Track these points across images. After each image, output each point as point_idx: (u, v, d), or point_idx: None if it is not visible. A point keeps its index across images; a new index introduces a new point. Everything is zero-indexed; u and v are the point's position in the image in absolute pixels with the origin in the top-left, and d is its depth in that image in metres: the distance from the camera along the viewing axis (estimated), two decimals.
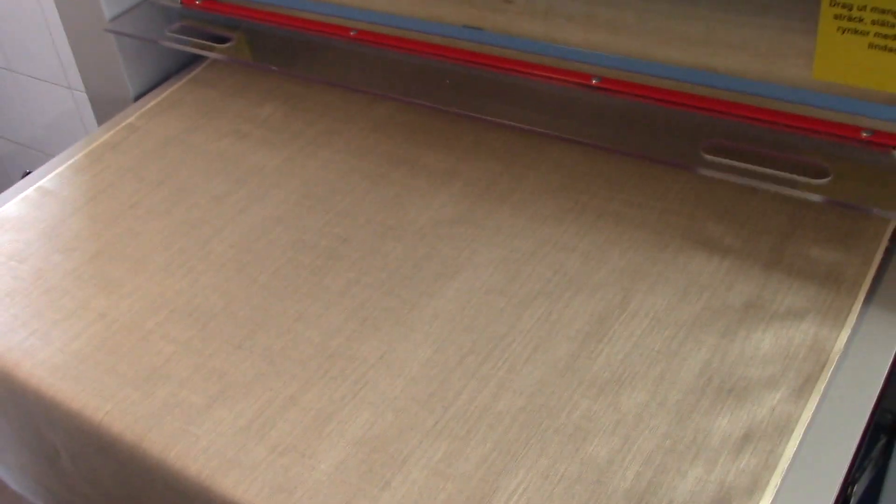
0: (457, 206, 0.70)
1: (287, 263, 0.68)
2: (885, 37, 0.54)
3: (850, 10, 0.54)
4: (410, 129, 0.79)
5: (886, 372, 0.53)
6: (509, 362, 0.57)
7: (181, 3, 0.87)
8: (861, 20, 0.54)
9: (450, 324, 0.61)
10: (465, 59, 0.73)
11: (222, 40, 0.87)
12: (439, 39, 0.74)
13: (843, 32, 0.55)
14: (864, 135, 0.57)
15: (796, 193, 0.59)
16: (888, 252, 0.59)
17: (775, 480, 0.48)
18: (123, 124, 0.86)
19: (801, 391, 0.53)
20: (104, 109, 0.93)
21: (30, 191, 0.80)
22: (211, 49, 0.85)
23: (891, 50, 0.54)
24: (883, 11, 0.53)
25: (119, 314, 0.66)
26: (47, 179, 0.81)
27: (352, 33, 0.78)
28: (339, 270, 0.66)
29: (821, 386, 0.53)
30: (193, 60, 0.92)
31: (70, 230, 0.75)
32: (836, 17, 0.55)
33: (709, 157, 0.61)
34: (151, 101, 0.89)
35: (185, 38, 0.86)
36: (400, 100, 0.79)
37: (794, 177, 0.58)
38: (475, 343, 0.59)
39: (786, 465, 0.49)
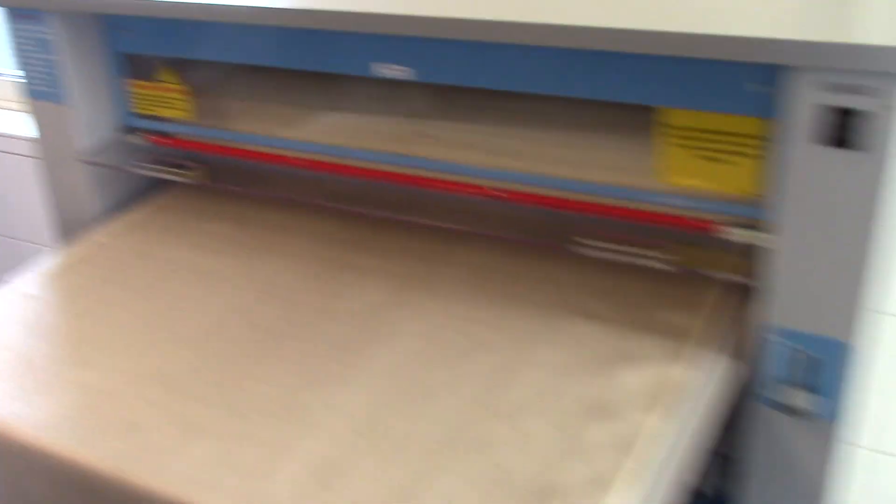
0: (385, 294, 0.85)
1: (244, 341, 0.81)
2: (705, 150, 0.73)
3: (681, 129, 0.74)
4: (344, 240, 0.95)
5: (719, 396, 0.69)
6: (433, 403, 0.71)
7: (146, 139, 1.03)
8: (687, 137, 0.74)
9: (380, 377, 0.74)
10: (389, 177, 0.91)
11: (182, 169, 1.02)
12: (368, 164, 0.92)
13: (676, 147, 0.75)
14: (696, 223, 0.75)
15: (648, 264, 0.76)
16: (722, 314, 0.77)
17: (632, 466, 0.63)
18: (93, 241, 1.00)
19: (655, 411, 0.68)
20: (69, 230, 1.06)
21: (11, 293, 0.92)
22: (175, 175, 1.01)
23: (710, 159, 0.73)
24: (703, 131, 0.73)
25: (96, 384, 0.77)
26: (25, 284, 0.93)
27: (296, 161, 0.95)
28: (288, 344, 0.80)
29: (670, 406, 0.68)
30: (154, 189, 1.07)
31: (48, 323, 0.86)
32: (671, 136, 0.74)
33: (583, 243, 0.79)
34: (117, 223, 1.03)
35: (151, 166, 1.01)
36: (335, 207, 0.95)
37: (646, 252, 0.76)
38: (402, 391, 0.73)
39: (641, 459, 0.63)
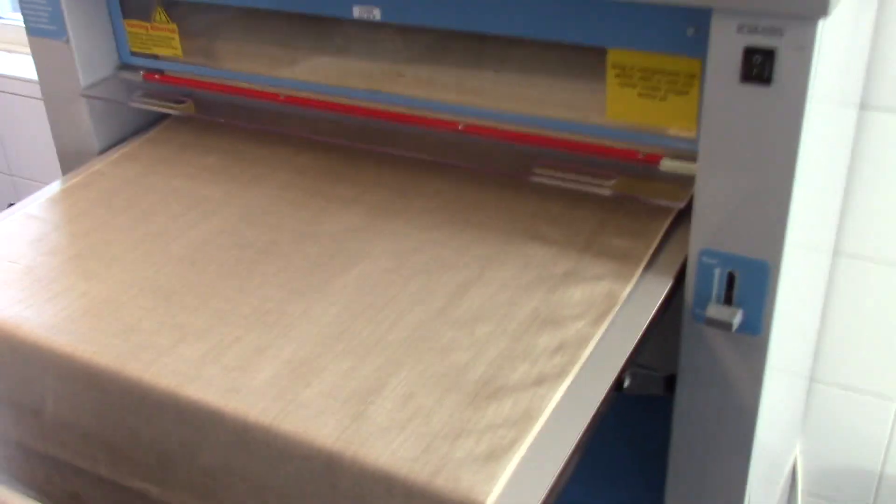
0: (361, 220, 0.93)
1: (230, 258, 0.89)
2: (647, 88, 0.81)
3: (625, 70, 0.81)
4: (325, 171, 1.03)
5: (655, 310, 0.77)
6: (397, 312, 0.79)
7: (143, 77, 1.10)
8: (632, 77, 0.81)
9: (355, 291, 0.83)
10: (367, 113, 0.98)
11: (175, 104, 1.10)
12: (347, 100, 0.99)
13: (623, 87, 0.82)
14: (640, 155, 0.83)
15: (593, 191, 0.84)
16: (661, 242, 0.85)
17: (576, 370, 0.71)
18: (92, 170, 1.07)
19: (597, 321, 0.76)
20: (70, 163, 1.14)
21: (16, 215, 0.99)
22: (170, 108, 1.08)
23: (651, 97, 0.81)
24: (644, 70, 0.80)
25: (98, 293, 0.85)
26: (30, 207, 1.01)
27: (281, 97, 1.03)
28: (271, 261, 0.88)
29: (610, 317, 0.76)
30: (149, 125, 1.15)
31: (52, 241, 0.94)
32: (617, 75, 0.82)
33: (539, 173, 0.87)
34: (114, 154, 1.10)
35: (148, 100, 1.08)
36: (317, 141, 1.03)
37: (593, 180, 0.84)
38: (373, 302, 0.81)
39: (583, 361, 0.72)
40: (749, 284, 0.77)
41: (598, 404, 0.69)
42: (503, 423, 0.67)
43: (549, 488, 0.62)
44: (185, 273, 0.87)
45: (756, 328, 0.79)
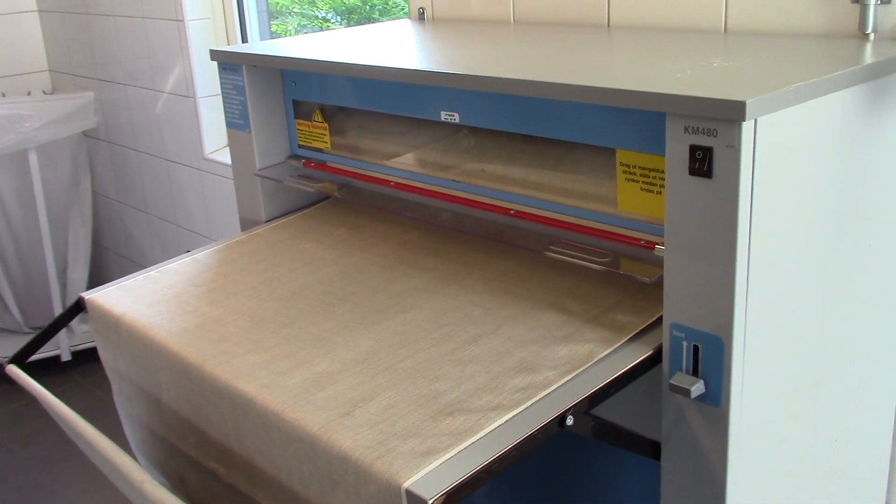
0: (427, 283, 1.12)
1: (316, 301, 1.11)
2: (647, 183, 0.94)
3: (631, 167, 0.95)
4: (421, 246, 1.23)
5: (622, 371, 0.88)
6: (416, 350, 0.97)
7: (303, 164, 1.39)
8: (635, 174, 0.95)
9: (391, 332, 1.01)
10: (452, 199, 1.18)
11: (320, 185, 1.36)
12: (440, 188, 1.20)
13: (628, 181, 0.96)
14: (642, 242, 0.96)
15: (595, 267, 0.97)
16: (658, 320, 0.95)
17: (528, 404, 0.84)
18: (253, 232, 1.36)
19: (566, 372, 0.89)
20: (247, 227, 1.43)
21: (187, 258, 1.29)
22: (310, 187, 1.35)
23: (649, 191, 0.94)
24: (644, 168, 0.94)
25: (213, 314, 1.11)
26: (199, 254, 1.30)
27: (391, 184, 1.26)
28: (344, 305, 1.09)
29: (578, 371, 0.88)
30: (310, 204, 1.42)
31: (202, 277, 1.22)
32: (624, 172, 0.96)
33: (553, 248, 1.01)
34: (273, 223, 1.38)
35: (298, 180, 1.36)
36: (413, 218, 1.24)
37: (591, 257, 0.97)
38: (400, 340, 0.99)
39: (537, 399, 0.85)
40: (709, 358, 0.86)
41: (532, 432, 0.81)
42: (449, 433, 0.82)
43: (457, 482, 0.76)
44: (279, 308, 1.11)
45: (717, 400, 0.87)
